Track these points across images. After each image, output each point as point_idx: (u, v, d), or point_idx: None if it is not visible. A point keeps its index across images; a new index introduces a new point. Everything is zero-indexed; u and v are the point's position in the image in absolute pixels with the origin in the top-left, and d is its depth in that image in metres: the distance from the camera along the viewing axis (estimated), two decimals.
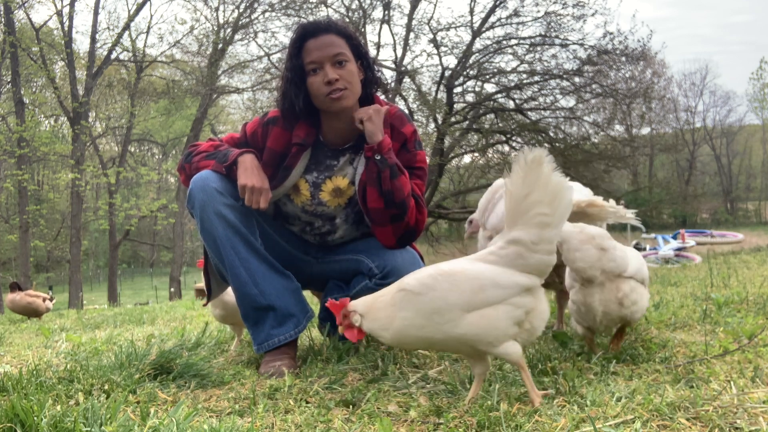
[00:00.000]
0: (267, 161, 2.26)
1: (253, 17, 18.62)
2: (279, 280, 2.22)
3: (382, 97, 2.42)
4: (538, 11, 15.46)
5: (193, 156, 2.31)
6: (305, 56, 2.18)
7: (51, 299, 6.11)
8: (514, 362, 1.57)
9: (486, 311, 1.53)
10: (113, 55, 20.75)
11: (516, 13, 15.75)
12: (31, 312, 5.91)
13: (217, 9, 19.47)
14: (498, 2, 15.71)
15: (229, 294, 2.60)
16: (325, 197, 2.34)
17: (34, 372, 1.92)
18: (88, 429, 1.37)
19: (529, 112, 16.64)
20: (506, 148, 17.18)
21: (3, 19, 18.05)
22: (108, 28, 21.17)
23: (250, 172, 2.16)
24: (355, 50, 2.23)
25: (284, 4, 17.12)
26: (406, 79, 16.37)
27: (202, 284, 2.73)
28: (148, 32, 21.27)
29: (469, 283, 1.54)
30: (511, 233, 1.56)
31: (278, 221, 2.46)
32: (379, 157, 2.16)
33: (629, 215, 2.24)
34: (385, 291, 1.66)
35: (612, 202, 2.29)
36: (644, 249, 11.07)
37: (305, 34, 2.19)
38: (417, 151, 2.32)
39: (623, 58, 15.40)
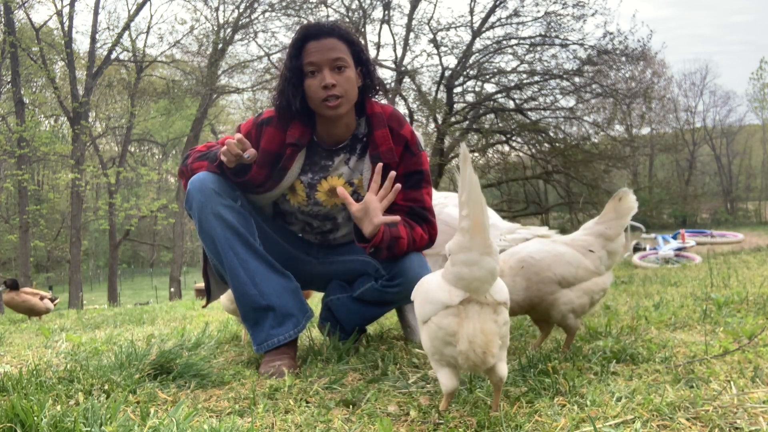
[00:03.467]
0: (262, 162, 2.24)
1: (253, 17, 18.61)
2: (278, 280, 2.22)
3: (383, 101, 2.41)
4: (538, 11, 15.46)
5: (188, 159, 2.33)
6: (305, 57, 2.16)
7: (52, 299, 6.06)
8: (442, 391, 1.50)
9: (428, 326, 1.47)
10: (113, 55, 20.74)
11: (516, 13, 15.74)
12: (27, 310, 5.87)
13: (217, 9, 19.48)
14: (498, 2, 15.70)
15: None
16: (321, 197, 2.34)
17: (34, 372, 1.92)
18: (88, 429, 1.37)
19: (529, 112, 16.63)
20: (506, 148, 17.19)
21: (3, 19, 18.05)
22: (108, 28, 21.18)
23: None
24: (356, 56, 2.22)
25: (284, 4, 17.12)
26: (406, 79, 16.36)
27: (202, 284, 2.76)
28: (148, 32, 21.28)
29: (421, 294, 1.52)
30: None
31: (278, 221, 2.46)
32: (372, 250, 2.15)
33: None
34: None
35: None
36: (644, 249, 11.04)
37: (307, 35, 2.17)
38: (421, 152, 2.32)
39: (623, 58, 15.40)
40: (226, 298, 2.69)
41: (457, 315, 1.39)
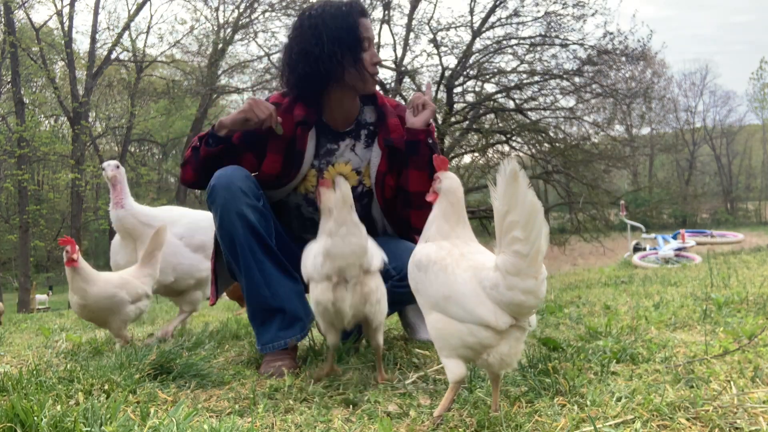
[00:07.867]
0: (275, 148, 2.29)
1: (253, 17, 18.62)
2: (289, 283, 2.24)
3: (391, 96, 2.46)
4: (538, 11, 15.43)
5: (186, 151, 2.43)
6: (362, 30, 2.23)
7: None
8: (449, 380, 1.49)
9: (446, 320, 1.46)
10: (113, 55, 20.77)
11: (516, 13, 15.72)
12: None
13: (217, 9, 19.53)
14: (498, 2, 15.68)
15: (94, 283, 2.59)
16: None
17: (34, 372, 1.92)
18: (88, 429, 1.36)
19: (529, 112, 16.61)
20: (506, 148, 17.16)
21: (3, 19, 18.05)
22: (108, 28, 21.24)
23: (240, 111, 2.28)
24: None
25: (284, 4, 17.10)
26: (406, 79, 16.35)
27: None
28: (148, 32, 21.36)
29: (443, 288, 1.47)
30: (497, 257, 1.38)
31: (288, 223, 2.47)
32: (431, 141, 2.25)
33: None
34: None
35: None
36: (644, 249, 11.04)
37: (361, 10, 2.26)
38: None
39: (623, 58, 15.38)
40: (74, 292, 2.64)
41: (497, 333, 1.40)
